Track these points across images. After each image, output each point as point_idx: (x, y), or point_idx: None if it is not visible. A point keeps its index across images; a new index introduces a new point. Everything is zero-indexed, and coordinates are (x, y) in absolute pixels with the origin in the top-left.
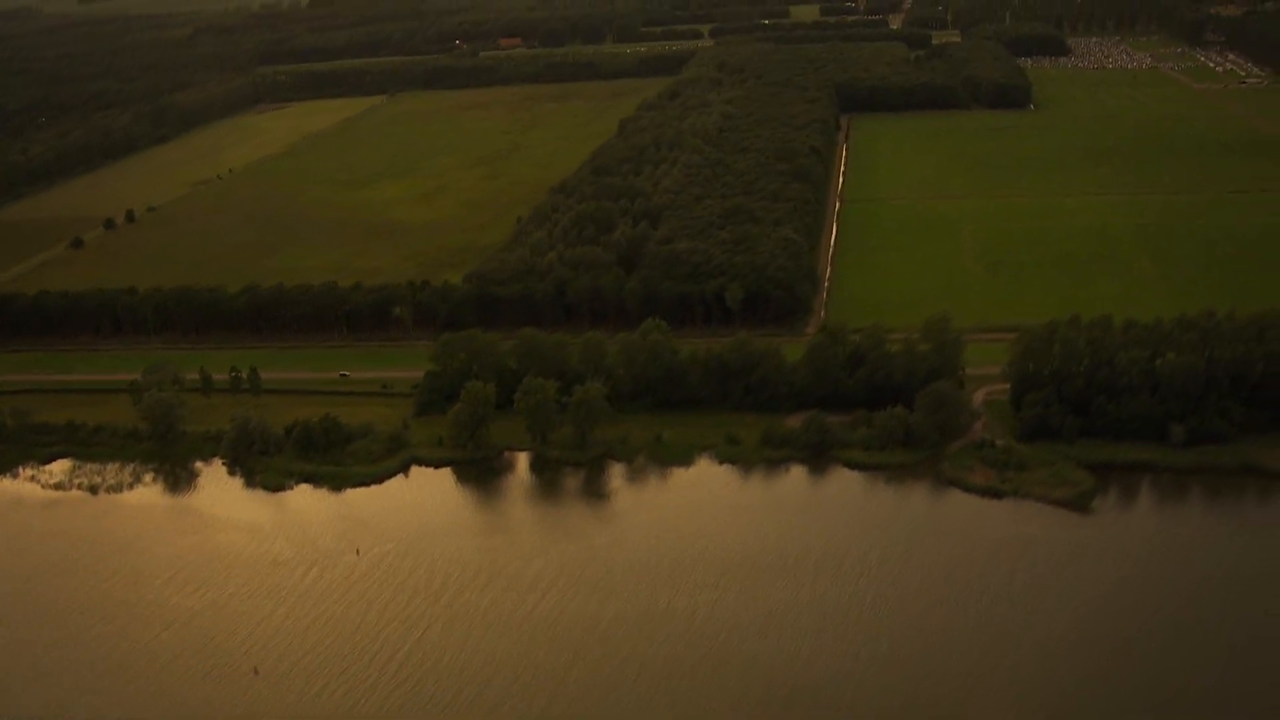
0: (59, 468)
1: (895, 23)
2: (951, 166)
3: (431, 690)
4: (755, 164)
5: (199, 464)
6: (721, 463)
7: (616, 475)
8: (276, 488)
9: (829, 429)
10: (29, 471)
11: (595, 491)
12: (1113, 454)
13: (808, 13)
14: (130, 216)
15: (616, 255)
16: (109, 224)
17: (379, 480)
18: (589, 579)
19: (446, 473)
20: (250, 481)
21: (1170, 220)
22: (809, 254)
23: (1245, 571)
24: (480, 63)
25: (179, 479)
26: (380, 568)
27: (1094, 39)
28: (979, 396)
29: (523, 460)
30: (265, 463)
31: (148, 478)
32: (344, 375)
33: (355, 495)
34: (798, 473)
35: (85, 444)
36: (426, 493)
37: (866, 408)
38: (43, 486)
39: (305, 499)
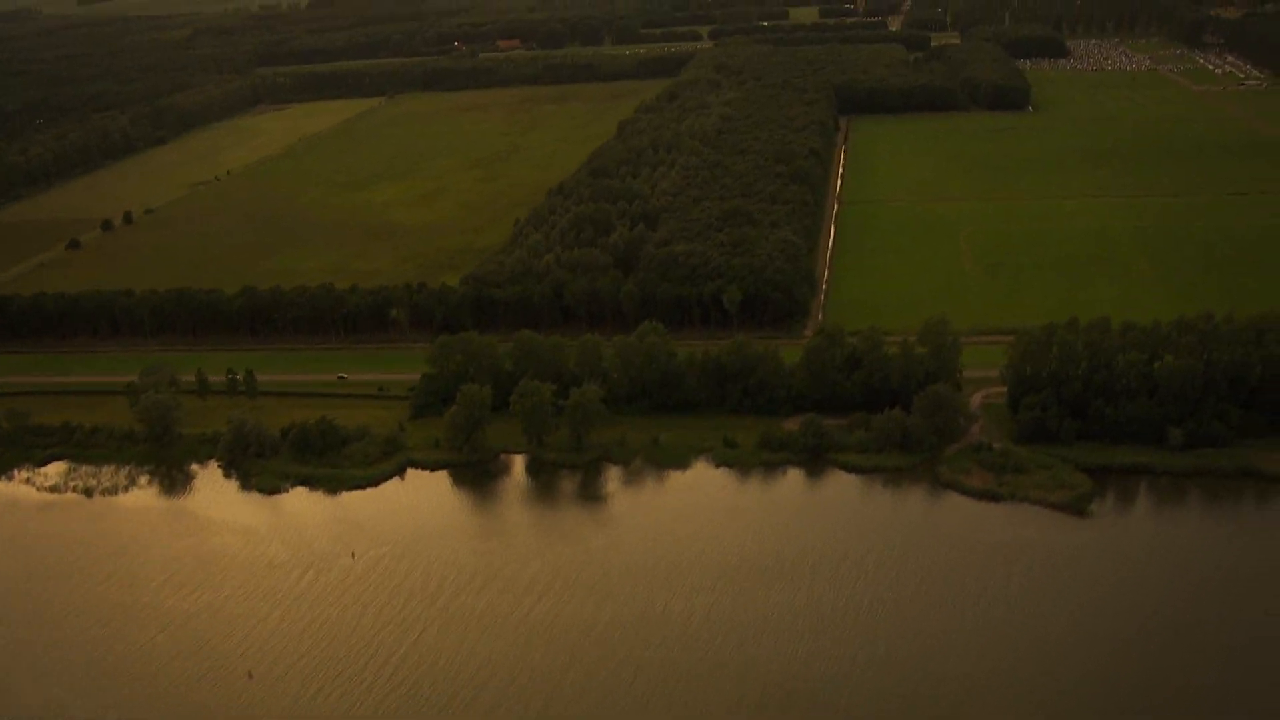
0: (55, 470)
1: (894, 24)
2: (950, 168)
3: (427, 693)
4: (753, 166)
5: (195, 466)
6: (718, 465)
7: (613, 478)
8: (272, 490)
9: (826, 432)
10: (25, 473)
11: (591, 494)
12: (1110, 457)
13: (807, 14)
14: (128, 218)
15: (614, 257)
16: (106, 225)
17: (375, 483)
18: (585, 582)
19: (442, 475)
20: (246, 484)
21: (1169, 222)
22: (807, 256)
23: (1243, 573)
24: (479, 64)
25: (175, 481)
26: (376, 570)
27: (1093, 41)
28: (976, 399)
29: (519, 463)
30: (261, 465)
31: (143, 480)
32: (342, 378)
33: (351, 498)
34: (795, 475)
35: (81, 446)
36: (422, 495)
37: (864, 410)
38: (38, 489)
39: (301, 502)
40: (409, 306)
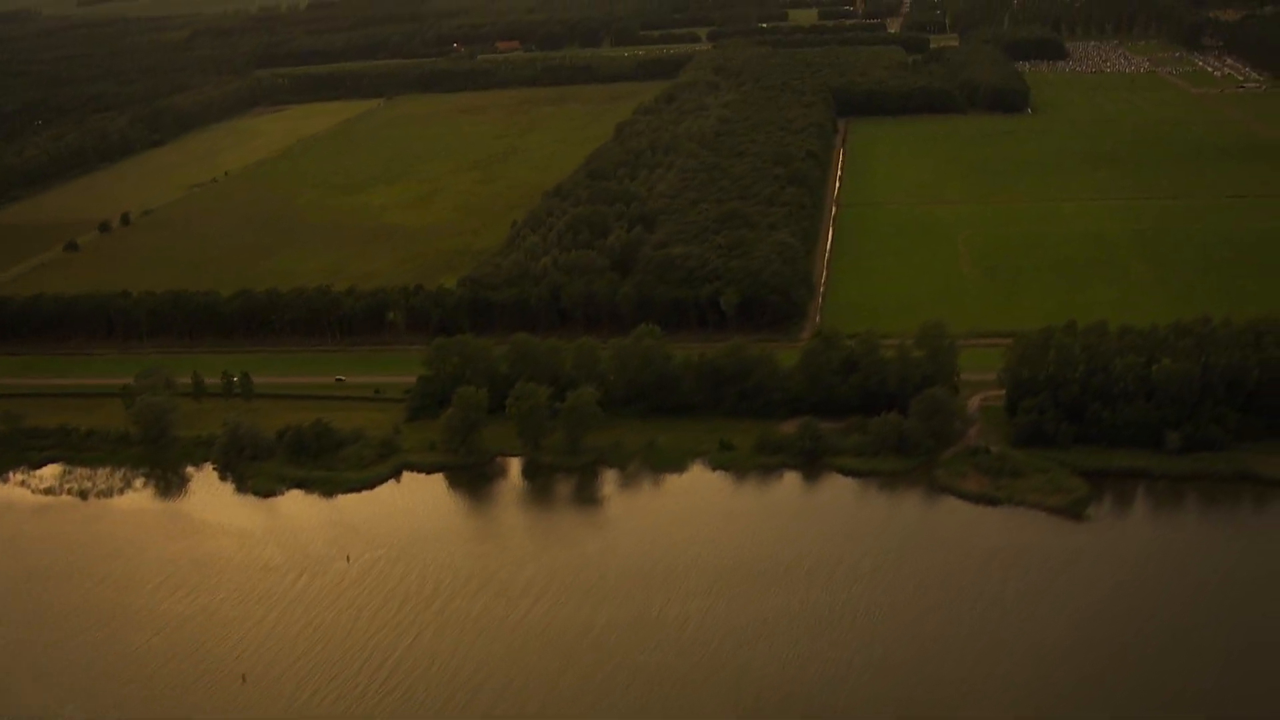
0: (50, 472)
1: (893, 26)
2: (948, 171)
3: (422, 697)
4: (751, 168)
5: (190, 469)
6: (715, 469)
7: (609, 481)
8: (267, 493)
9: (823, 435)
10: (20, 476)
11: (587, 498)
12: (1107, 461)
13: (806, 16)
14: (125, 219)
15: (611, 260)
16: (104, 227)
17: (370, 486)
18: (581, 586)
19: (438, 478)
20: (241, 487)
21: (1168, 225)
22: (805, 259)
23: (1241, 577)
24: (478, 66)
25: (170, 484)
26: (371, 574)
27: (1092, 43)
28: (974, 402)
29: (515, 466)
30: (256, 468)
31: (139, 483)
32: (340, 380)
33: (346, 501)
34: (791, 479)
35: (77, 448)
36: (418, 498)
37: (861, 414)
38: (33, 491)
39: (296, 504)
40: (406, 309)
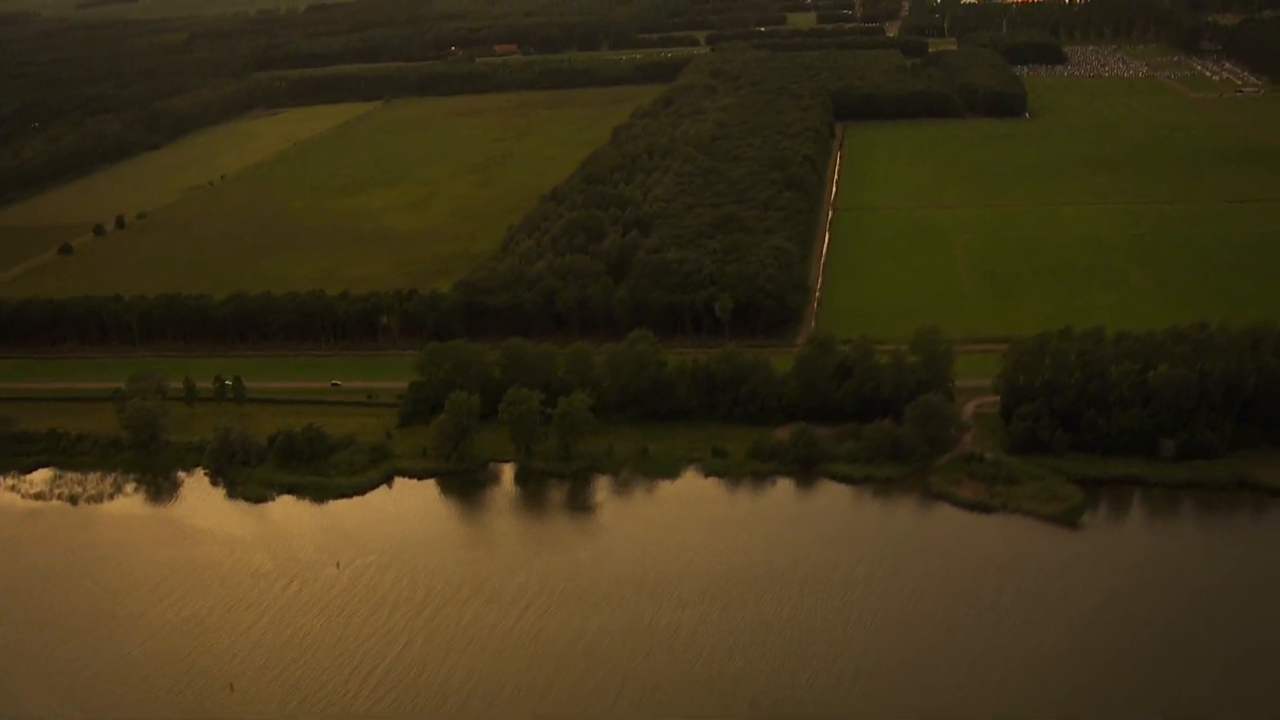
0: (40, 477)
1: (892, 30)
2: (946, 175)
3: (411, 706)
4: (748, 172)
5: (181, 474)
6: (708, 476)
7: (601, 488)
8: (258, 499)
9: (817, 441)
10: (10, 481)
11: (580, 504)
12: (1103, 468)
13: (804, 20)
14: (120, 223)
15: (606, 264)
16: (99, 230)
17: (361, 492)
18: (572, 593)
19: (430, 484)
20: (232, 492)
21: (1166, 230)
22: (800, 263)
23: (1237, 585)
24: (476, 69)
25: (160, 489)
26: (361, 581)
27: (1091, 47)
28: (969, 409)
29: (507, 472)
30: (247, 473)
31: (129, 488)
32: (336, 384)
33: (337, 507)
34: (785, 486)
35: (67, 453)
36: (409, 504)
37: (855, 420)
38: (23, 496)
39: (287, 510)
40: (399, 313)
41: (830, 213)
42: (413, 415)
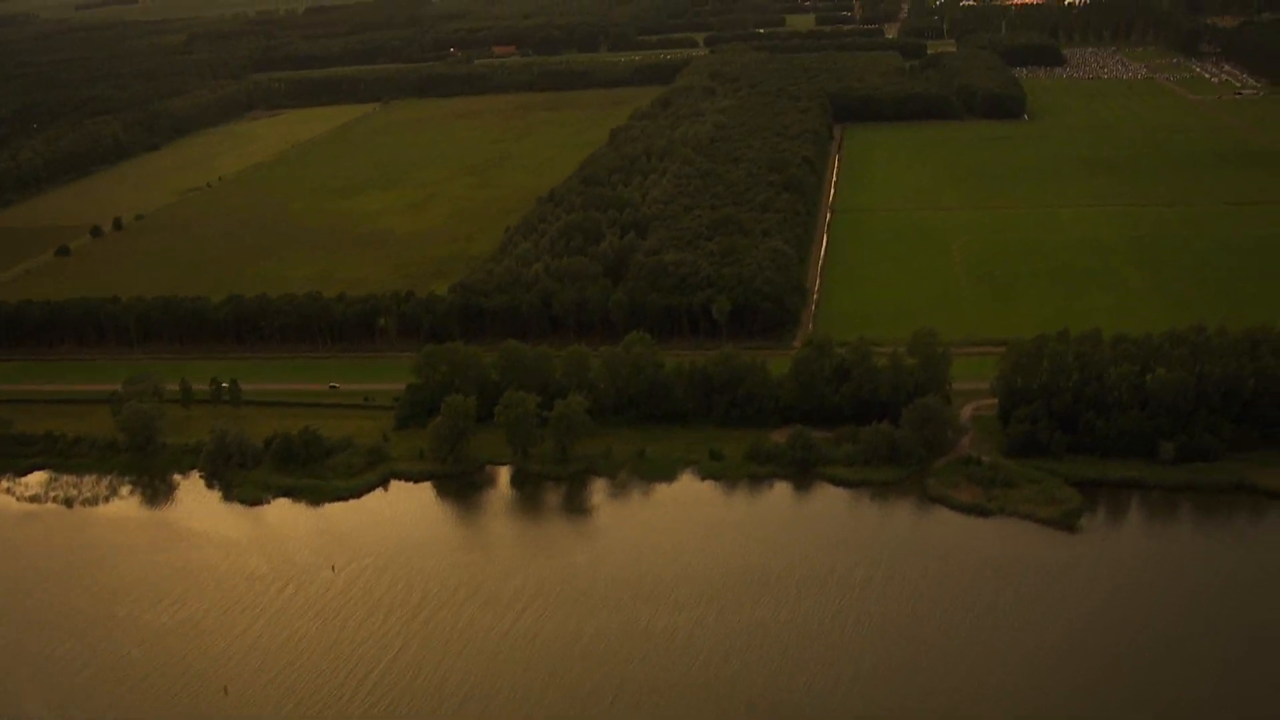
0: (36, 479)
1: (890, 32)
2: (945, 177)
3: (407, 709)
4: (746, 174)
5: (177, 477)
6: (704, 479)
7: (598, 491)
8: (254, 502)
9: (814, 444)
10: (6, 483)
11: (576, 507)
12: (1101, 471)
13: (803, 22)
14: (118, 224)
15: (603, 266)
16: (96, 232)
17: (358, 494)
18: (568, 596)
19: (426, 487)
20: (228, 495)
21: (1165, 232)
22: (798, 266)
23: (1235, 587)
24: (474, 71)
25: (157, 492)
26: (357, 584)
27: (1089, 49)
28: (966, 412)
29: (503, 475)
30: (244, 476)
31: (125, 490)
32: (334, 387)
33: (333, 510)
34: (782, 489)
35: (63, 455)
36: (405, 507)
37: (853, 423)
38: (19, 499)
39: (283, 513)
40: (396, 315)
41: (828, 215)
42: (409, 418)
